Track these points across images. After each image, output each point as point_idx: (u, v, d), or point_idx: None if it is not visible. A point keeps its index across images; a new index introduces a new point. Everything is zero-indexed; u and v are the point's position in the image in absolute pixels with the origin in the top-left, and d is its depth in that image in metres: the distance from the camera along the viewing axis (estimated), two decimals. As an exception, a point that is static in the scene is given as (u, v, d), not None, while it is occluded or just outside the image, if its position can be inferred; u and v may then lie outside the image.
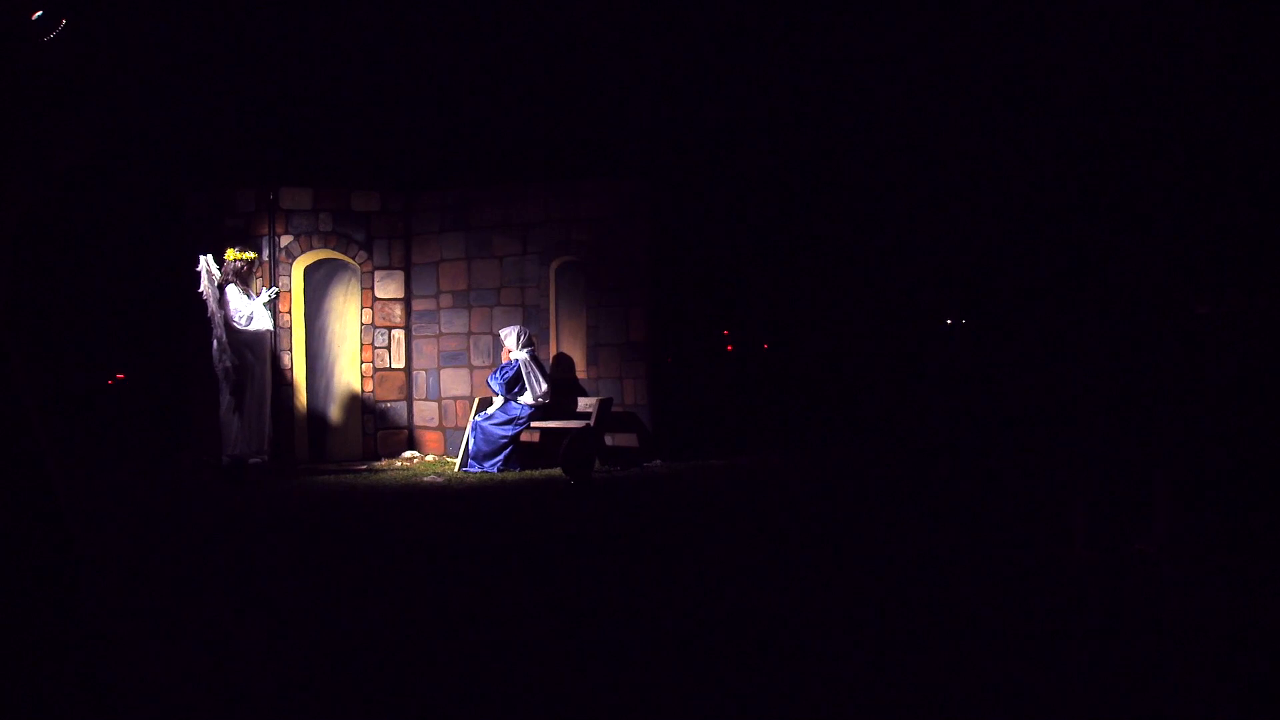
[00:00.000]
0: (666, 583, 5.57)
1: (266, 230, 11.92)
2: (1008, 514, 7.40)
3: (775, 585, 5.46)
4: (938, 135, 13.09)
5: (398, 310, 12.53)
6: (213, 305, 10.52)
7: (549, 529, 7.40)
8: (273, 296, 10.94)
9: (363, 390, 12.35)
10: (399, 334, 12.54)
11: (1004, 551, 6.14)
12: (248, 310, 10.70)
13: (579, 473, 9.73)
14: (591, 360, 11.71)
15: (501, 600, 5.25)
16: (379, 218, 12.43)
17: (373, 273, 12.41)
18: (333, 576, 5.92)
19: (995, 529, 6.86)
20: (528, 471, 10.87)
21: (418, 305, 12.57)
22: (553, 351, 11.87)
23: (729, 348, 12.47)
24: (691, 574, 5.76)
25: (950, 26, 12.43)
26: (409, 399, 12.55)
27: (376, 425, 12.40)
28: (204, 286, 10.55)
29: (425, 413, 12.52)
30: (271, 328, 10.92)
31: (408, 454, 12.33)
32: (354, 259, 12.33)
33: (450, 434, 12.34)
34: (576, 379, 11.73)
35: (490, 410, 11.22)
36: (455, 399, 12.34)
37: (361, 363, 12.38)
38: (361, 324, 12.40)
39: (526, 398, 11.10)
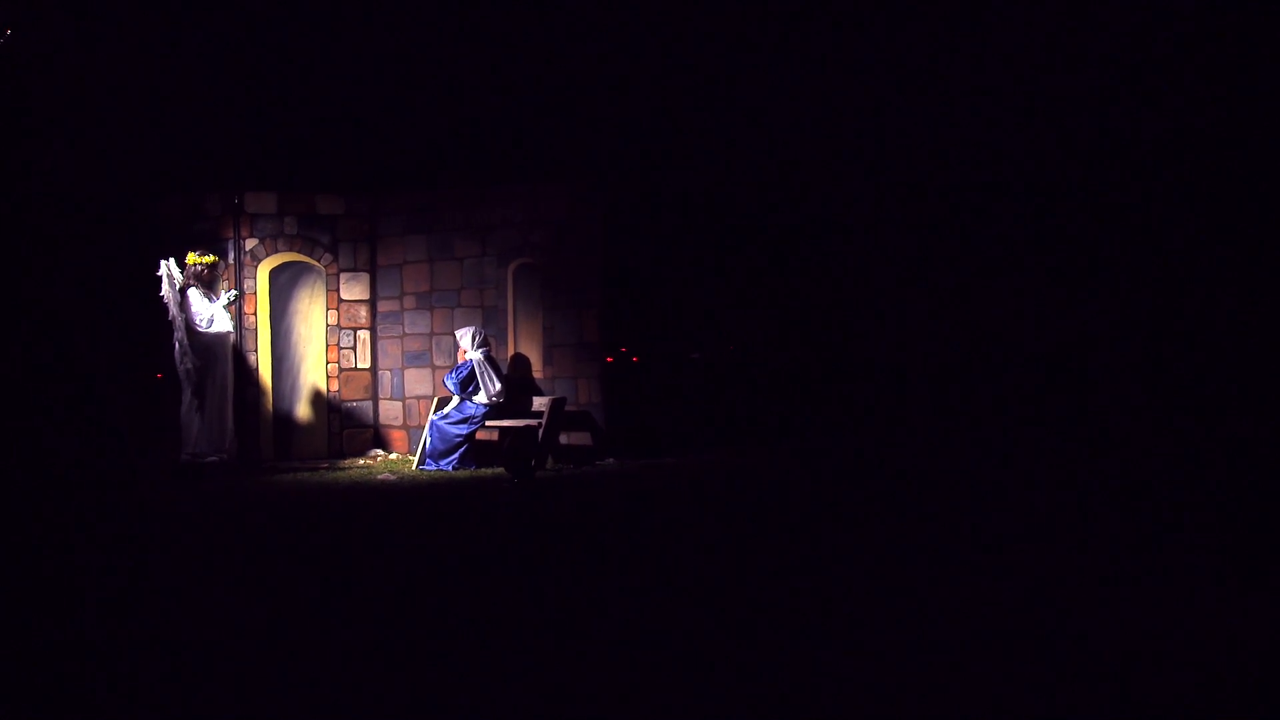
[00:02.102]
0: (568, 580, 5.78)
1: (232, 234, 12.21)
2: (943, 509, 7.58)
3: (693, 580, 5.66)
4: (895, 135, 13.24)
5: (363, 311, 12.80)
6: (173, 309, 10.83)
7: (471, 525, 7.63)
8: (232, 299, 11.23)
9: (328, 390, 12.62)
10: (364, 335, 12.81)
11: (942, 545, 6.32)
12: (208, 313, 11.00)
13: (521, 471, 9.96)
14: (548, 360, 11.94)
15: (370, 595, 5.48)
16: (344, 221, 12.70)
17: (338, 275, 12.68)
18: (217, 572, 6.16)
19: (931, 522, 7.05)
20: (482, 470, 11.11)
21: (382, 306, 12.83)
22: (510, 351, 12.11)
23: (695, 355, 12.67)
24: (592, 573, 5.98)
25: (905, 26, 12.58)
26: (374, 398, 12.82)
27: (342, 424, 12.68)
28: (165, 290, 10.86)
29: (390, 412, 12.79)
30: (231, 329, 11.20)
31: (373, 452, 12.60)
32: (319, 261, 12.60)
33: (414, 432, 12.59)
34: (533, 379, 11.96)
35: (446, 410, 11.48)
36: (419, 398, 12.60)
37: (327, 363, 12.65)
38: (327, 325, 12.67)
39: (481, 397, 11.34)
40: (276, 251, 12.41)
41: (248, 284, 12.19)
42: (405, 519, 8.02)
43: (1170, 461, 9.77)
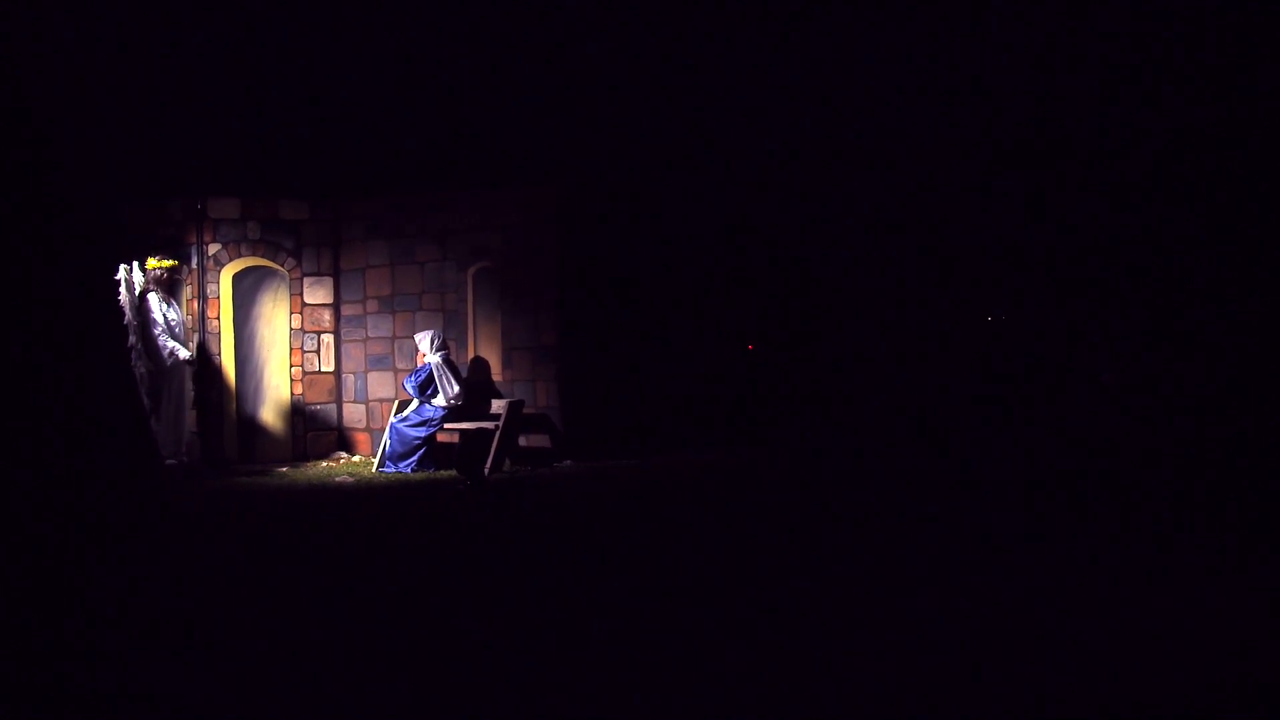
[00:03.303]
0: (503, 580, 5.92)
1: (195, 239, 12.34)
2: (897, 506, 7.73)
3: (626, 577, 5.80)
4: (855, 132, 13.37)
5: (326, 315, 12.93)
6: (129, 313, 10.96)
7: (413, 525, 7.77)
8: (188, 357, 11.50)
9: (292, 393, 12.75)
10: (328, 338, 12.94)
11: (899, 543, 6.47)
12: (170, 344, 11.28)
13: (473, 473, 10.10)
14: (507, 363, 12.08)
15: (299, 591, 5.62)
16: (308, 226, 12.83)
17: (301, 279, 12.81)
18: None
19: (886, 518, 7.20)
20: (441, 472, 11.24)
21: (346, 310, 12.96)
22: (470, 354, 12.25)
23: (664, 358, 12.83)
24: (518, 575, 6.12)
25: (856, 25, 12.73)
26: (338, 401, 12.95)
27: (306, 427, 12.81)
28: (123, 295, 10.98)
29: (354, 414, 12.92)
30: (189, 355, 11.49)
31: (337, 455, 12.73)
32: (283, 266, 12.73)
33: (377, 435, 12.71)
34: (492, 381, 12.10)
35: (406, 412, 11.61)
36: (382, 401, 12.72)
37: (291, 366, 12.77)
38: (290, 329, 12.79)
39: (439, 400, 11.48)
40: (240, 256, 12.53)
41: (210, 288, 12.31)
42: (354, 520, 8.16)
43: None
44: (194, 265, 12.28)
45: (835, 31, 12.82)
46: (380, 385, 12.76)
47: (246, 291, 12.75)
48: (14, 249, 7.33)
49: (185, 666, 4.31)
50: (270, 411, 12.69)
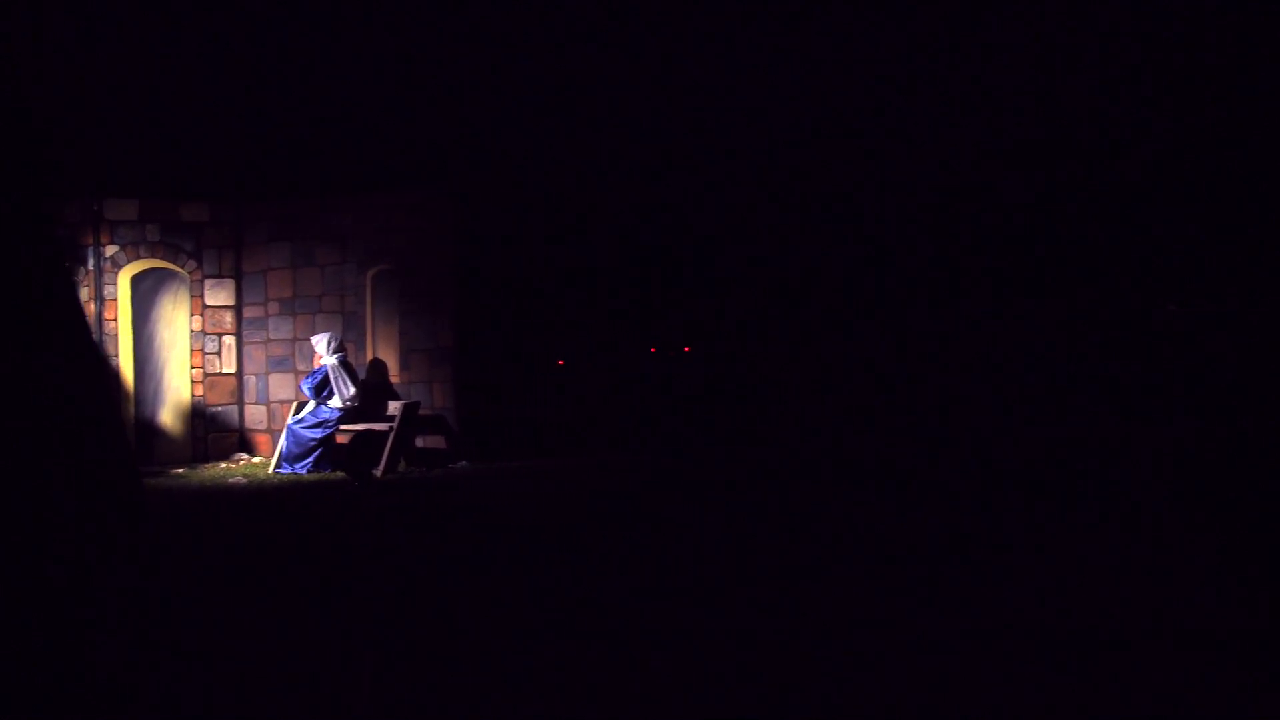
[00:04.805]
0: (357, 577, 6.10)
1: (91, 240, 12.34)
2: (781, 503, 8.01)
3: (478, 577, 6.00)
4: (759, 134, 13.64)
5: (228, 317, 12.98)
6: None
7: (290, 524, 7.92)
8: None
9: (193, 395, 12.78)
10: (230, 340, 12.99)
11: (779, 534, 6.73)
12: None
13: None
14: (404, 365, 12.23)
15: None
16: (209, 228, 12.88)
17: (202, 281, 12.86)
18: None
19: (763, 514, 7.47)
20: (337, 473, 11.36)
21: (248, 312, 13.02)
22: (368, 356, 12.38)
23: (560, 361, 13.00)
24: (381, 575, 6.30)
25: (749, 25, 13.00)
26: (240, 403, 13.00)
27: (207, 429, 12.85)
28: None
29: (256, 416, 12.99)
30: None
31: (237, 456, 12.79)
32: (183, 268, 12.76)
33: (278, 436, 12.76)
34: (390, 383, 12.24)
35: (302, 414, 11.72)
36: (283, 402, 12.80)
37: (191, 368, 12.81)
38: (191, 331, 12.83)
39: (335, 401, 11.60)
40: (139, 258, 12.54)
41: (108, 290, 12.32)
42: (230, 520, 8.28)
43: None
44: (90, 267, 12.29)
45: (702, 33, 13.08)
46: (281, 387, 12.84)
47: (146, 294, 12.76)
48: None
49: None
50: (170, 413, 12.72)
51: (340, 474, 11.15)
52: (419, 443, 11.91)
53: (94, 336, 10.80)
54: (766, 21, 13.02)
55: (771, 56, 13.13)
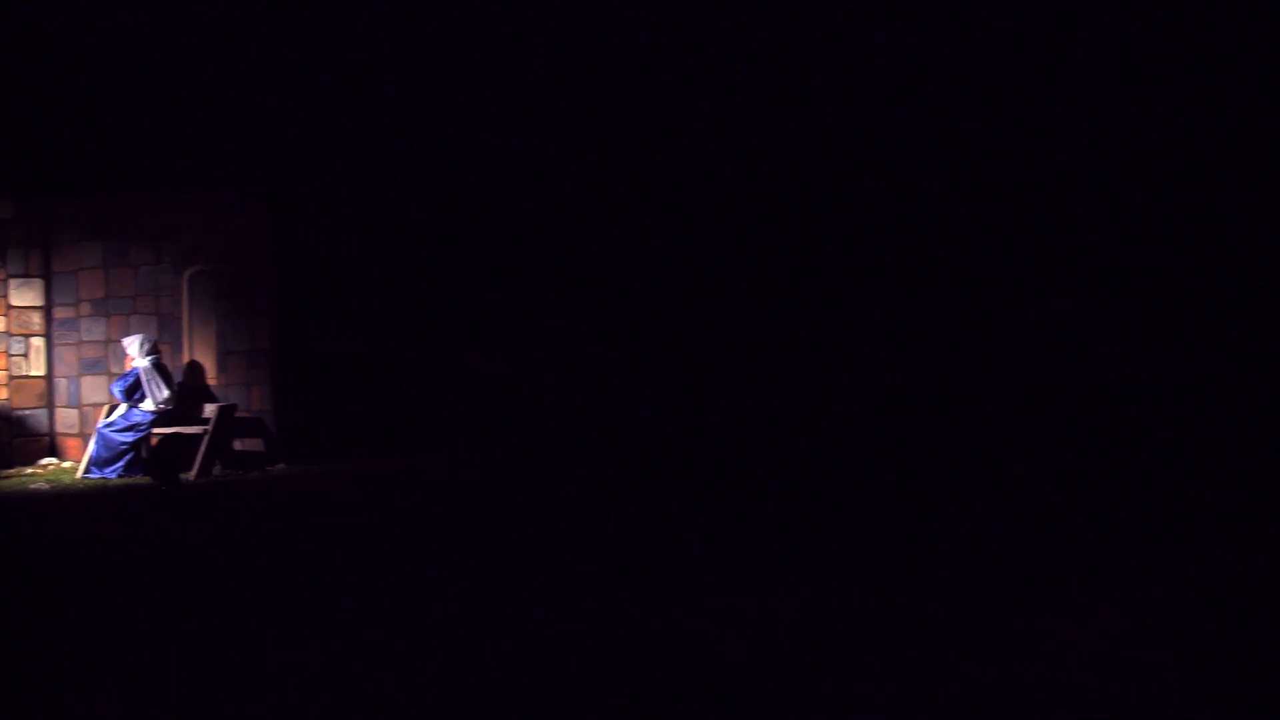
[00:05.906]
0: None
1: (-116, 238, 11.79)
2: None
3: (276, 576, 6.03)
4: (580, 129, 13.80)
5: (36, 318, 12.56)
6: None
7: (83, 532, 7.79)
8: None
9: (-3, 398, 12.33)
10: (38, 341, 12.58)
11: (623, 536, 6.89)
12: None
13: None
14: (222, 367, 12.07)
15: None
16: (14, 226, 12.44)
17: (7, 280, 12.41)
18: None
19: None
20: (147, 477, 11.14)
21: (59, 313, 12.63)
22: (185, 359, 12.16)
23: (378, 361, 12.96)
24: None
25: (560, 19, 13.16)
26: (50, 406, 12.60)
27: (14, 433, 12.41)
28: None
29: (67, 419, 12.61)
30: None
31: (45, 461, 12.39)
32: (-14, 267, 12.30)
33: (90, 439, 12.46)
34: (207, 385, 12.06)
35: (113, 417, 11.46)
36: (95, 405, 12.46)
37: (-4, 371, 12.36)
38: (-5, 332, 12.38)
39: (148, 404, 11.38)
40: (-63, 256, 12.05)
41: (-97, 290, 11.79)
42: (26, 527, 8.09)
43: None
44: (-117, 265, 11.74)
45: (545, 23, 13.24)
46: (94, 389, 12.50)
47: (-56, 293, 12.26)
48: None
49: None
50: (-28, 417, 12.25)
51: (150, 479, 10.95)
52: (237, 445, 11.77)
53: None
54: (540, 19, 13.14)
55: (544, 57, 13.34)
